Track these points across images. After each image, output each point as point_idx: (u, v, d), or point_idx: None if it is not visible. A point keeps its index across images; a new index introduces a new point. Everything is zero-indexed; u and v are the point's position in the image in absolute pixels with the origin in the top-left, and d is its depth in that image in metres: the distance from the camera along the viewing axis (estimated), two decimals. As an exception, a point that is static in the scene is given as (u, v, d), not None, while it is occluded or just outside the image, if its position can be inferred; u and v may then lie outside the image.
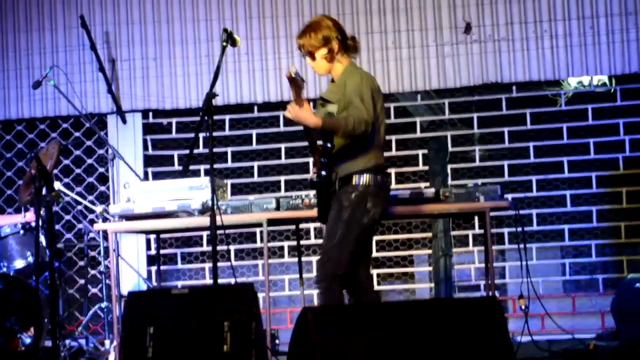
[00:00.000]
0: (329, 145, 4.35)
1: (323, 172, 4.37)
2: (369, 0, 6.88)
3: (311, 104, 4.38)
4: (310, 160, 6.48)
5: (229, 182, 6.41)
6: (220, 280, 4.72)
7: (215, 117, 4.74)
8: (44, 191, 4.48)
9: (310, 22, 4.55)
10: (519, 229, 5.96)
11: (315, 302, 5.03)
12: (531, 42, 6.63)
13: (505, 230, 6.67)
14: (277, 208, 5.38)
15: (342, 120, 4.14)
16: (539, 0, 6.75)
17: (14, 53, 7.31)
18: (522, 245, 5.96)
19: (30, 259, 5.82)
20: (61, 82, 6.56)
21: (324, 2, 6.96)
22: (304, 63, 4.65)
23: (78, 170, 7.41)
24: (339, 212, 4.32)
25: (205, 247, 7.05)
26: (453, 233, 6.98)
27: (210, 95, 4.14)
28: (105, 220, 6.17)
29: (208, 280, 7.07)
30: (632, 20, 6.47)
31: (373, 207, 4.34)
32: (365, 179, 4.33)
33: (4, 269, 5.85)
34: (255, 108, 7.04)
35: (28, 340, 5.59)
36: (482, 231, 6.06)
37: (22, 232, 5.99)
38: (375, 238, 6.80)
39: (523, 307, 5.79)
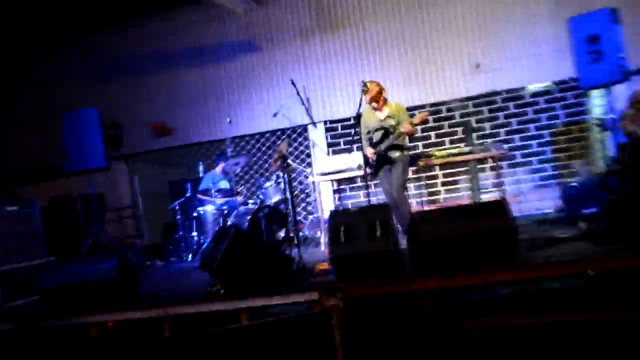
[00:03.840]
0: (394, 137, 7.01)
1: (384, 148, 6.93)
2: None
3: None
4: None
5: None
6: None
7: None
8: (285, 165, 6.92)
9: (371, 88, 7.10)
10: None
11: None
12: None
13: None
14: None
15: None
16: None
17: (268, 96, 10.40)
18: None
19: (279, 197, 8.45)
20: (282, 113, 9.46)
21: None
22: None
23: (297, 153, 10.52)
24: (404, 165, 7.11)
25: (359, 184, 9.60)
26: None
27: (358, 114, 6.95)
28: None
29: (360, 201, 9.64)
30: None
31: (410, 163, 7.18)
32: (407, 152, 7.23)
33: (269, 203, 8.37)
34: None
35: (282, 234, 8.02)
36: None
37: (275, 184, 8.61)
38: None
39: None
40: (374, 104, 7.11)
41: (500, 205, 5.27)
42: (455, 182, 10.06)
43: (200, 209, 9.14)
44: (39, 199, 8.39)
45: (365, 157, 7.07)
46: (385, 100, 7.20)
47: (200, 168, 9.99)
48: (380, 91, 7.12)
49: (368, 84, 7.06)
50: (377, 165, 7.14)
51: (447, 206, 7.92)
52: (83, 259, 8.21)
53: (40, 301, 6.10)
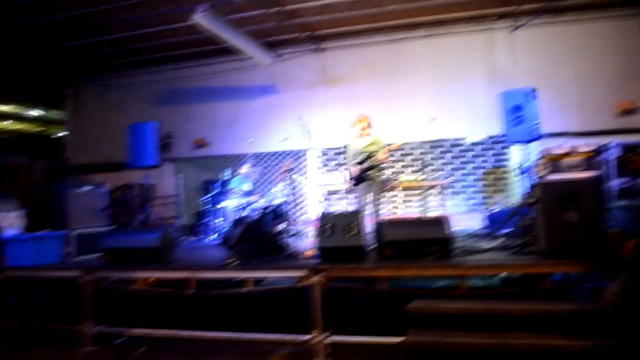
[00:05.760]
0: (372, 160, 6.85)
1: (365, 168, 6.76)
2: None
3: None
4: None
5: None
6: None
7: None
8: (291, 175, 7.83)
9: (363, 118, 6.96)
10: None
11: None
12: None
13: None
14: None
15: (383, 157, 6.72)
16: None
17: (280, 126, 10.10)
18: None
19: (282, 199, 8.39)
20: (289, 139, 9.31)
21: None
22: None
23: (297, 169, 10.36)
24: (380, 185, 6.96)
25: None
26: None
27: (346, 145, 7.07)
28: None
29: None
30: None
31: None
32: (381, 173, 6.96)
33: (274, 203, 8.16)
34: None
35: (281, 227, 7.64)
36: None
37: (279, 190, 8.52)
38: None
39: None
40: (362, 132, 6.91)
41: (442, 220, 5.26)
42: (410, 201, 10.01)
43: (223, 202, 9.05)
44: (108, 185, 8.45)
45: (350, 173, 6.98)
46: (370, 132, 7.02)
47: (227, 173, 9.91)
48: (368, 123, 6.96)
49: (360, 116, 6.97)
50: (358, 180, 6.96)
51: (405, 217, 7.94)
52: (135, 229, 8.07)
53: (102, 257, 6.09)
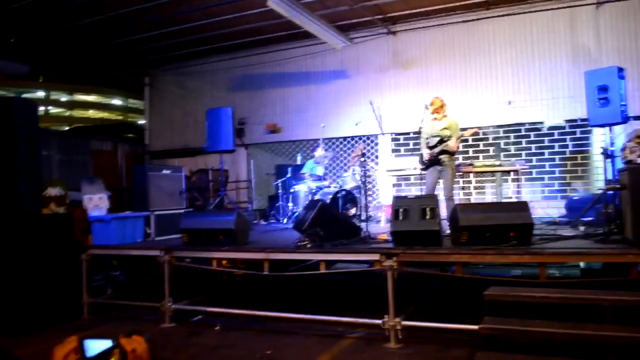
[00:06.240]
0: (445, 145, 6.61)
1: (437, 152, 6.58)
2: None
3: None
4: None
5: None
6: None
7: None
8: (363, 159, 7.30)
9: (435, 101, 6.69)
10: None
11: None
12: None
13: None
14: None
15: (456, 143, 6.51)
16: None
17: (351, 111, 10.21)
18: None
19: (353, 184, 8.44)
20: (361, 124, 9.67)
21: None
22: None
23: (368, 154, 10.10)
24: (452, 170, 6.71)
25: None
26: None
27: (420, 128, 6.79)
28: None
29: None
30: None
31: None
32: (454, 157, 6.72)
33: (345, 187, 8.32)
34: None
35: (353, 212, 8.01)
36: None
37: (350, 175, 8.59)
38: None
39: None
40: (436, 115, 6.69)
41: (523, 206, 5.00)
42: (483, 187, 9.77)
43: (295, 186, 9.09)
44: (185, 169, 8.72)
45: (421, 156, 6.85)
46: (445, 114, 6.80)
47: (299, 157, 10.10)
48: (442, 105, 6.73)
49: (434, 99, 6.72)
50: (429, 163, 6.80)
51: (483, 202, 7.69)
52: (212, 211, 8.27)
53: (182, 238, 6.23)
